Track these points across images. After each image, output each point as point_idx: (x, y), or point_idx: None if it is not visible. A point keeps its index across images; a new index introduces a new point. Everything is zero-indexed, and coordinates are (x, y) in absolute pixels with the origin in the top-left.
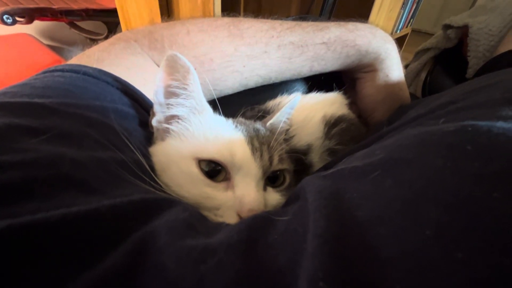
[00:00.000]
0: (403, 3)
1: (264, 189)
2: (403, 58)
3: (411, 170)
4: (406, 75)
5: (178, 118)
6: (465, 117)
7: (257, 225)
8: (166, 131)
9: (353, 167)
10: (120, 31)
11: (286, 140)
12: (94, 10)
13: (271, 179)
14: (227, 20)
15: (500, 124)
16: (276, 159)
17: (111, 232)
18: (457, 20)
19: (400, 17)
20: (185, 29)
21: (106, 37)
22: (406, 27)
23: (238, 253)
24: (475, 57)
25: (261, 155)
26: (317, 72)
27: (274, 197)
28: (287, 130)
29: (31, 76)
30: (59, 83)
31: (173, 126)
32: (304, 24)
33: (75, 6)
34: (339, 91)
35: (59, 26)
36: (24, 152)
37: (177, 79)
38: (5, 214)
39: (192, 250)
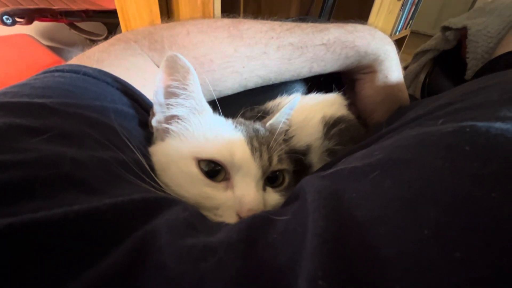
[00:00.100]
0: (402, 5)
1: (264, 189)
2: (402, 59)
3: (410, 171)
4: (405, 77)
5: (178, 118)
6: (464, 118)
7: (256, 224)
8: (166, 131)
9: (352, 167)
10: (120, 32)
11: (285, 140)
12: (94, 11)
13: (270, 179)
14: (227, 21)
15: (499, 125)
16: (275, 159)
17: (112, 231)
18: (456, 22)
19: (399, 18)
20: (185, 30)
21: (106, 38)
22: (405, 28)
23: (238, 252)
24: (474, 59)
25: (261, 155)
26: (316, 73)
27: (274, 197)
28: (287, 130)
29: (31, 76)
30: (59, 83)
31: (173, 126)
32: (304, 25)
33: (74, 7)
34: (339, 92)
35: (58, 27)
36: (24, 152)
37: (177, 79)
38: (6, 213)
39: (192, 249)
